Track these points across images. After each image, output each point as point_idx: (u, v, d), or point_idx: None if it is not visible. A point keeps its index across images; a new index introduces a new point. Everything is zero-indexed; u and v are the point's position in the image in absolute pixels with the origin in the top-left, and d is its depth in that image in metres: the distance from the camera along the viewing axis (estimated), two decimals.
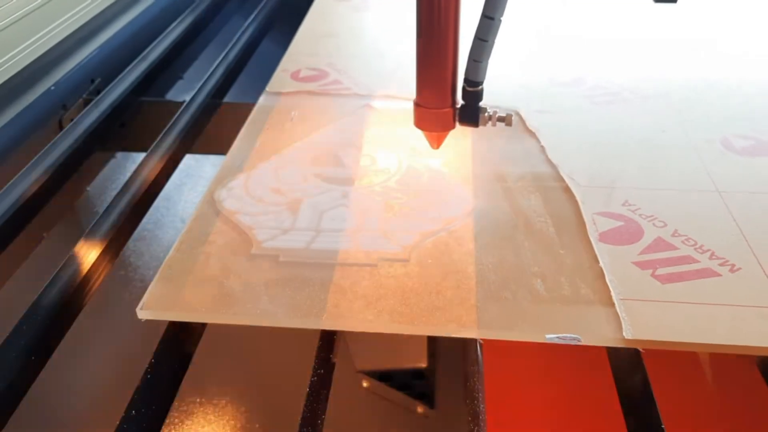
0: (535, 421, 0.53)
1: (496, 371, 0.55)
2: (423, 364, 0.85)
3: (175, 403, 0.66)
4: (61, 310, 0.46)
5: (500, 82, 0.70)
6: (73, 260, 0.50)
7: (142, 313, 0.43)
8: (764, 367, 0.42)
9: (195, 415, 0.66)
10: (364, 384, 0.86)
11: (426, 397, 0.84)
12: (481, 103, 0.50)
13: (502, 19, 0.45)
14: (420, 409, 0.85)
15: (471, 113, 0.50)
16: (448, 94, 0.49)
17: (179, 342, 0.43)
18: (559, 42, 0.80)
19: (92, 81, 0.82)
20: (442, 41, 0.47)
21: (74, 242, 0.53)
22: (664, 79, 0.70)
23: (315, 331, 0.43)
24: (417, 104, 0.50)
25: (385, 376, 0.86)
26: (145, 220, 0.85)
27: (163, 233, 0.84)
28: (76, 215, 0.82)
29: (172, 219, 0.86)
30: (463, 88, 0.49)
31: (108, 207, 0.56)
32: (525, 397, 0.60)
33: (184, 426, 0.65)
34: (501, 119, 0.50)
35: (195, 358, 0.47)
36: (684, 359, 0.50)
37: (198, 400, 0.68)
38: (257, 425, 0.66)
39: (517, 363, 0.60)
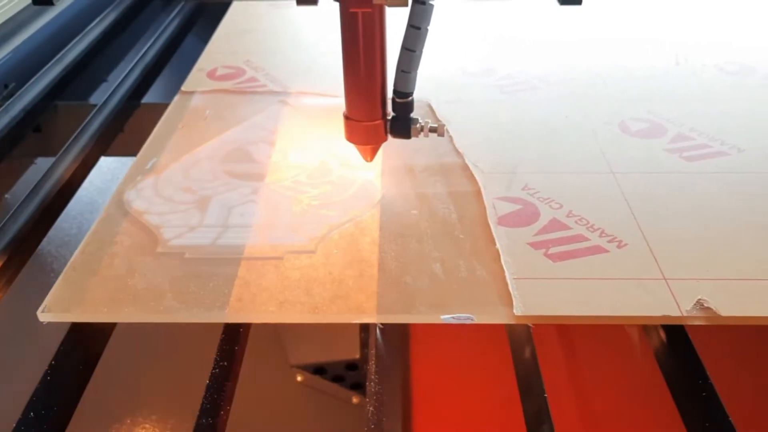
0: (457, 403, 0.55)
1: (424, 357, 0.56)
2: (356, 356, 0.86)
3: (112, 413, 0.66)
4: None
5: None
6: None
7: (43, 316, 0.43)
8: (650, 337, 0.45)
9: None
10: (299, 378, 0.87)
11: (361, 387, 0.86)
12: (412, 114, 0.50)
13: (428, 28, 0.45)
14: (355, 400, 0.87)
15: (402, 125, 0.50)
16: (378, 106, 0.49)
17: (83, 343, 0.43)
18: (473, 37, 0.82)
19: (6, 86, 0.80)
20: (368, 53, 0.47)
21: None
22: (570, 68, 0.73)
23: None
24: (347, 117, 0.50)
25: (319, 369, 0.87)
26: (67, 225, 0.84)
27: None
28: None
29: None
30: (393, 100, 0.49)
31: (14, 212, 0.55)
32: (451, 382, 0.62)
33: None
34: (433, 130, 0.51)
35: (130, 363, 0.47)
36: (582, 332, 0.53)
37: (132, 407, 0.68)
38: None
39: (444, 348, 0.61)
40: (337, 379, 0.87)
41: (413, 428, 0.50)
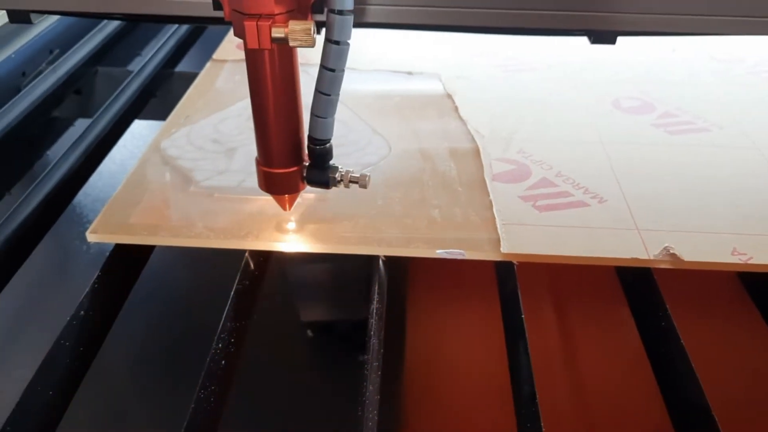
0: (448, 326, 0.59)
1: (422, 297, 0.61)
2: (363, 316, 0.92)
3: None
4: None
5: (424, 51, 0.78)
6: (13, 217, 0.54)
7: (91, 237, 0.49)
8: (620, 274, 0.51)
9: None
10: (309, 334, 0.93)
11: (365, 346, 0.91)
12: (332, 162, 0.45)
13: (345, 69, 0.40)
14: (360, 358, 0.92)
15: (319, 174, 0.45)
16: (293, 152, 0.44)
17: (125, 261, 0.49)
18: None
19: (51, 52, 0.87)
20: (276, 94, 0.42)
21: None
22: (569, 53, 0.79)
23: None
24: (259, 164, 0.45)
25: (327, 327, 0.93)
26: (102, 183, 0.90)
27: None
28: (36, 178, 0.87)
29: None
30: (309, 147, 0.44)
31: (56, 163, 0.62)
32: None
33: None
34: (354, 181, 0.46)
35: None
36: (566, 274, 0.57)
37: None
38: None
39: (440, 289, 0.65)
40: (345, 337, 0.93)
41: (406, 352, 0.55)
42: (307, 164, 0.45)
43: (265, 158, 0.45)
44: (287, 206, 0.48)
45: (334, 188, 0.48)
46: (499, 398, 0.46)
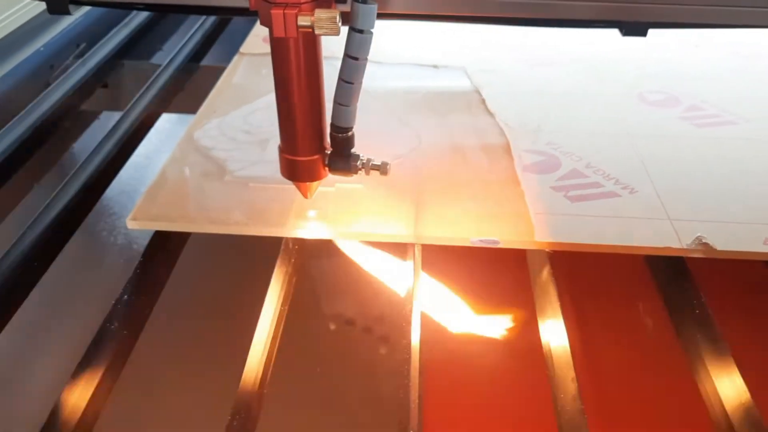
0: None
1: None
2: (384, 309, 0.93)
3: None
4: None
5: (448, 45, 0.79)
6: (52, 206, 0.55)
7: (132, 224, 0.50)
8: (651, 264, 0.51)
9: None
10: (332, 327, 0.94)
11: (387, 340, 0.92)
12: (353, 150, 0.46)
13: (368, 58, 0.40)
14: (383, 351, 0.93)
15: (341, 161, 0.45)
16: (314, 140, 0.45)
17: (164, 247, 0.50)
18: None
19: (77, 46, 0.88)
20: (300, 82, 0.42)
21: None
22: (592, 48, 0.79)
23: None
24: (282, 151, 0.46)
25: (349, 320, 0.93)
26: (126, 175, 0.91)
27: None
28: (63, 170, 0.88)
29: None
30: (331, 135, 0.45)
31: (90, 156, 0.63)
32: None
33: None
34: (375, 168, 0.46)
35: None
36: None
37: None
38: None
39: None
40: (367, 330, 0.93)
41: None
42: (329, 152, 0.46)
43: (288, 146, 0.45)
44: (308, 194, 0.48)
45: (368, 178, 0.48)
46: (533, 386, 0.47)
